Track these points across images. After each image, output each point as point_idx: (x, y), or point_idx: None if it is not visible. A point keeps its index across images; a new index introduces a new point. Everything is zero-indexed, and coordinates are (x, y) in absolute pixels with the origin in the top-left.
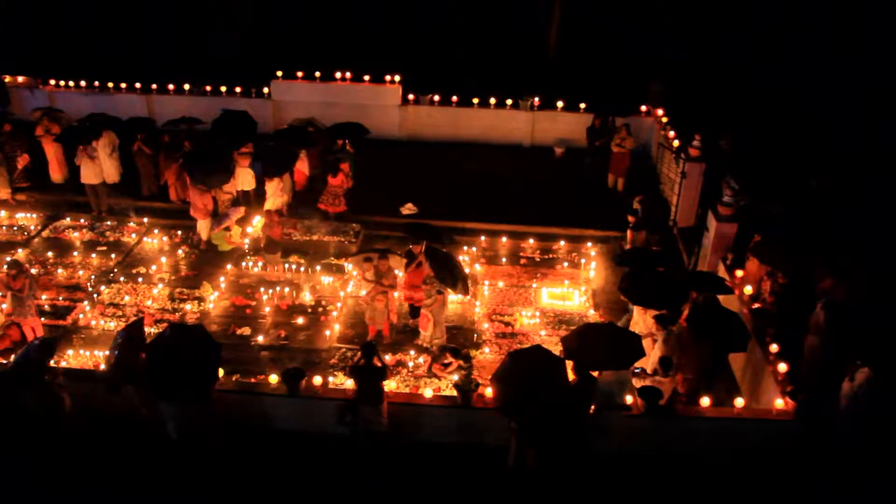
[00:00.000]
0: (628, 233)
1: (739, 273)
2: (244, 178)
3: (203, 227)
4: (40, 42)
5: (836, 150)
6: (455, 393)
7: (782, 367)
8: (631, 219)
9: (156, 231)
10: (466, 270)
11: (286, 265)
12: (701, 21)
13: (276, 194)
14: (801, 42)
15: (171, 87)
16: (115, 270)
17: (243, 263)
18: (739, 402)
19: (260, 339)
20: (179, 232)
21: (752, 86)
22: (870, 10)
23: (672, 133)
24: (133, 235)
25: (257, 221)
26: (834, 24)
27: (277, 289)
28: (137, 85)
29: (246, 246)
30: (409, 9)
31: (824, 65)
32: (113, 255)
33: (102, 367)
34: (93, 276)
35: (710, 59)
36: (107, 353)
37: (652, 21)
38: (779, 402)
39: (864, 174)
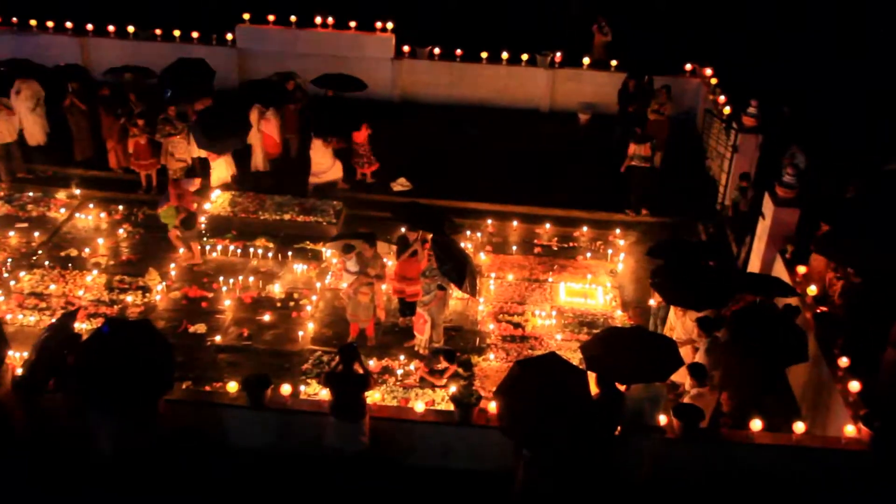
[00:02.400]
0: (630, 145)
1: (802, 270)
2: None
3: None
4: None
5: (835, 150)
6: (452, 407)
7: (854, 385)
8: (637, 130)
9: (91, 205)
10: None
11: (223, 245)
12: (701, 21)
13: (323, 161)
14: (801, 42)
15: (111, 28)
16: (39, 253)
17: (199, 246)
18: (800, 426)
19: (217, 338)
20: (121, 207)
21: (752, 86)
22: (870, 10)
23: (722, 98)
24: (62, 210)
25: (217, 196)
26: (834, 24)
27: (240, 278)
28: (69, 25)
29: (203, 225)
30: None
31: (824, 65)
32: (36, 234)
33: (20, 371)
34: (9, 260)
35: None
36: (26, 354)
37: (652, 22)
38: (849, 429)
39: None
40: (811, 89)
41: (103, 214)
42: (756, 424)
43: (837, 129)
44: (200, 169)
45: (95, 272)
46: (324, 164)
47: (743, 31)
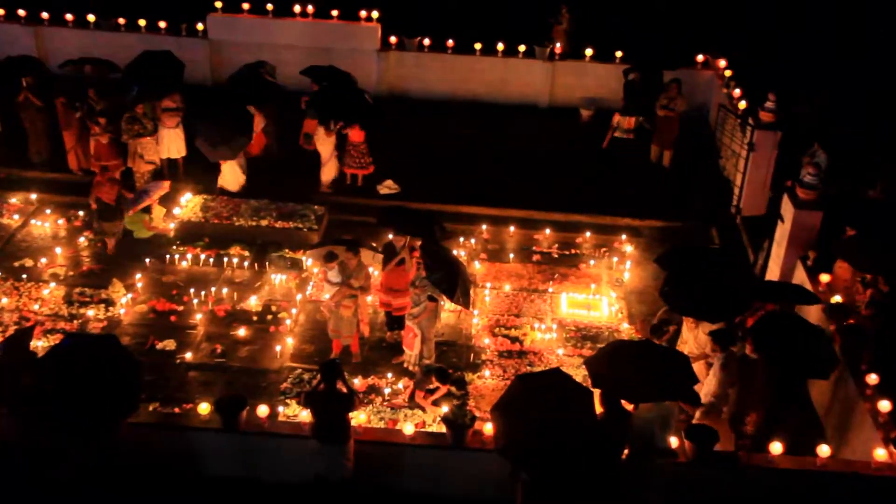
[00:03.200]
0: (615, 116)
1: (825, 278)
2: (171, 143)
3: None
4: None
5: (835, 150)
6: (444, 429)
7: (884, 405)
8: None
9: (48, 211)
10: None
11: (194, 254)
12: (701, 20)
13: (325, 152)
14: (801, 42)
15: (69, 17)
16: None
17: (168, 256)
18: (824, 449)
19: (188, 355)
20: (81, 213)
21: (752, 85)
22: (870, 10)
23: (737, 91)
24: (16, 216)
25: (187, 200)
26: (834, 24)
27: (212, 290)
28: (22, 13)
29: (172, 232)
30: None
31: (824, 65)
32: None
33: None
34: None
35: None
36: None
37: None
38: (880, 453)
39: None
40: (810, 89)
41: (62, 221)
42: (776, 447)
43: (837, 128)
44: (169, 172)
45: (53, 284)
46: (326, 155)
47: (743, 31)
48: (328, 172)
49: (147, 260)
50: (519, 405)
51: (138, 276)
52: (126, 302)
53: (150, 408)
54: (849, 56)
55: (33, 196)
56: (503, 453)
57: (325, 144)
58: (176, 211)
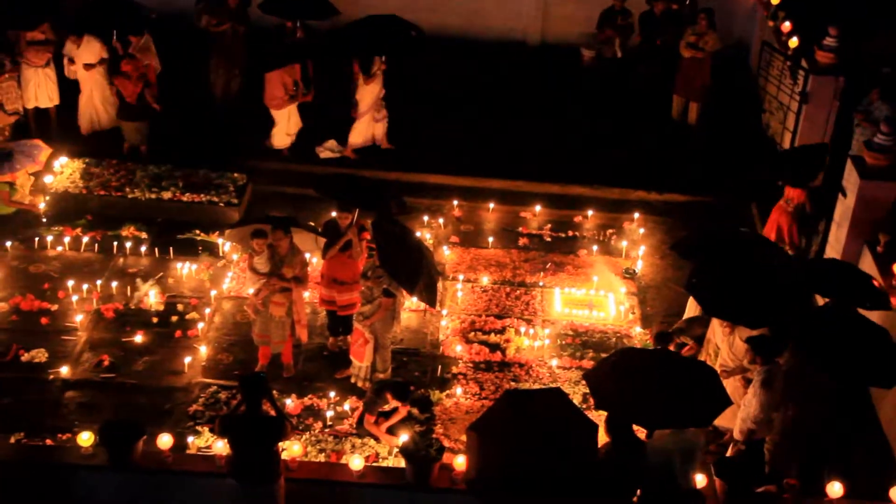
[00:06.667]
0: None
1: None
2: (39, 88)
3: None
4: None
5: None
6: (403, 463)
7: None
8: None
9: None
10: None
11: (73, 236)
12: None
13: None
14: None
15: None
16: None
17: (36, 238)
18: None
19: (64, 370)
20: None
21: (807, 16)
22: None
23: (787, 24)
24: None
25: (63, 164)
26: None
27: (98, 283)
28: None
29: (42, 208)
30: None
31: None
32: None
33: None
34: None
35: None
36: None
37: None
38: None
39: None
40: (885, 21)
41: None
42: (835, 488)
43: None
44: (37, 126)
45: None
46: (364, 107)
47: None
48: (359, 132)
49: (8, 244)
50: (500, 431)
51: None
52: None
53: (13, 439)
54: None
55: None
56: (473, 488)
57: (370, 95)
58: (47, 179)
